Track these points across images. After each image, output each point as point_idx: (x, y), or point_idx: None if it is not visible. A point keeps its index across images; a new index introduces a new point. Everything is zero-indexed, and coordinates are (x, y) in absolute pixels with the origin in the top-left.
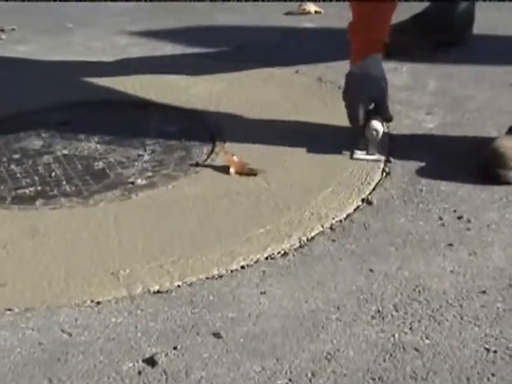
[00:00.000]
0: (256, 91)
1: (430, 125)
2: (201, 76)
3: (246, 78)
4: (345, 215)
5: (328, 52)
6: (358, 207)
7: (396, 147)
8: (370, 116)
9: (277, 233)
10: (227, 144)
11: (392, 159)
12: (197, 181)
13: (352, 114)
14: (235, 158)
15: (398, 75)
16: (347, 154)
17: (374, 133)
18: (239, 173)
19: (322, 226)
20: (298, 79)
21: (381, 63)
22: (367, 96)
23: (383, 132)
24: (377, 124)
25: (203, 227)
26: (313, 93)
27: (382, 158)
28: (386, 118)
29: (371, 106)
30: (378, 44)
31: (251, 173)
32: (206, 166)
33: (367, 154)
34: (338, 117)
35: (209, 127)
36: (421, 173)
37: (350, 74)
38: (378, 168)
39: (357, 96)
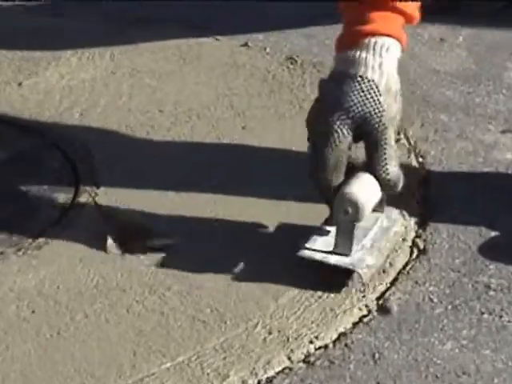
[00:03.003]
0: (164, 84)
1: (507, 154)
2: (51, 53)
3: (144, 58)
4: (335, 335)
5: (308, 9)
6: (361, 319)
7: (438, 198)
8: (350, 169)
9: (199, 371)
10: (102, 189)
11: (430, 222)
12: (40, 265)
13: (318, 160)
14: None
15: (445, 52)
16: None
17: (350, 209)
18: (125, 248)
19: (289, 358)
20: (249, 59)
21: (396, 54)
22: (347, 118)
23: (378, 212)
24: (357, 190)
25: (50, 360)
26: (276, 87)
27: (360, 268)
28: (383, 181)
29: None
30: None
31: (148, 248)
32: (60, 235)
33: (331, 251)
34: None
35: (67, 156)
36: (487, 250)
37: (331, 76)
38: (404, 240)
39: (329, 120)
